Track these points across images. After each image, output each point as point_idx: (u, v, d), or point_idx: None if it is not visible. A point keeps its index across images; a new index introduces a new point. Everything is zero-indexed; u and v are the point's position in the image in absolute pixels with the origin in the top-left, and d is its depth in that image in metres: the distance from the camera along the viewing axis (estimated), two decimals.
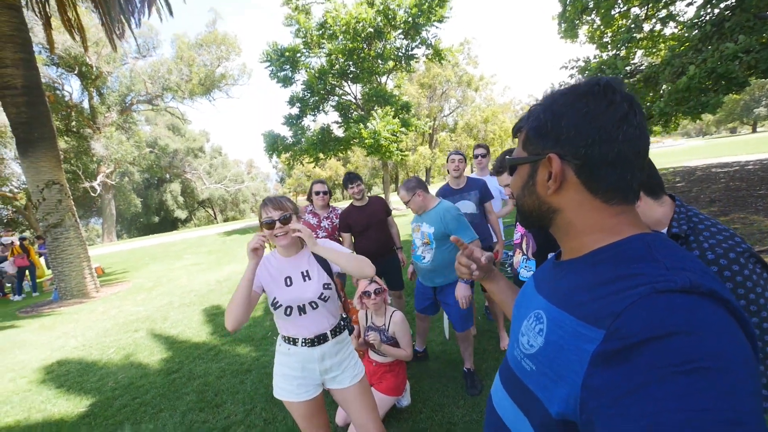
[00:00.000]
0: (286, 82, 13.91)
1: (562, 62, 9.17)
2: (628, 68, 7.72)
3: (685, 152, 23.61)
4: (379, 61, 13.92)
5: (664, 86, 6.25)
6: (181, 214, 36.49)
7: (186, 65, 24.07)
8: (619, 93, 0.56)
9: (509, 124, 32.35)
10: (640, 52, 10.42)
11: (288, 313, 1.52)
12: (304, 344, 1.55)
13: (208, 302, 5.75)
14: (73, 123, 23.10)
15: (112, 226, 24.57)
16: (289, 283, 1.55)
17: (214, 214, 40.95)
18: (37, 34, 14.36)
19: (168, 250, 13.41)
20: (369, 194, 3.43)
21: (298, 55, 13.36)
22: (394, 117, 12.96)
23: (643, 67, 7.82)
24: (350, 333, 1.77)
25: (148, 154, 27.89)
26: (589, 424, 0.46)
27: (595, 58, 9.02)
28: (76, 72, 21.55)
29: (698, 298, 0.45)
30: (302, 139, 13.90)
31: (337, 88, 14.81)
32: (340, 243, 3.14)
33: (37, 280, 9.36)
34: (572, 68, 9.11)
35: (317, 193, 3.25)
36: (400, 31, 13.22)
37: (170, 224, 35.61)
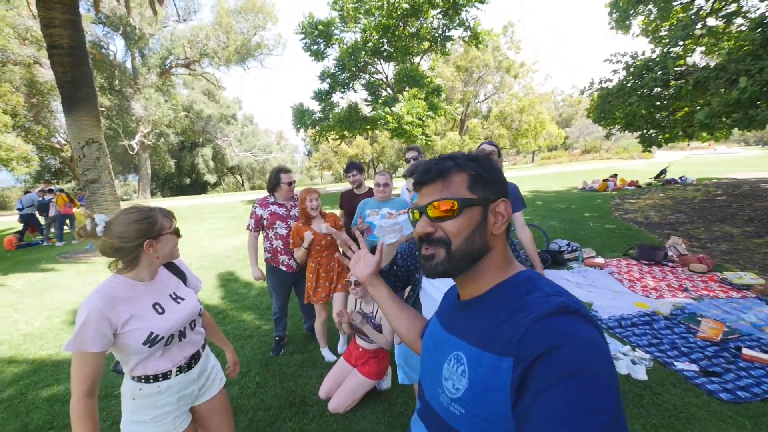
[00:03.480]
0: (319, 56, 13.86)
1: (607, 54, 8.56)
2: (678, 69, 7.15)
3: (736, 162, 21.84)
4: (415, 40, 13.55)
5: (713, 93, 5.76)
6: (210, 178, 37.84)
7: (224, 32, 24.34)
8: None
9: (546, 116, 30.91)
10: (699, 50, 9.57)
11: (168, 343, 1.29)
12: (179, 373, 1.34)
13: (223, 268, 6.08)
14: (116, 82, 24.11)
15: (147, 184, 25.92)
16: (160, 311, 1.29)
17: (242, 181, 42.19)
18: None
19: (195, 212, 14.08)
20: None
21: (333, 28, 13.20)
22: (423, 100, 12.71)
23: (694, 69, 7.21)
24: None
25: (184, 118, 28.84)
26: None
27: (643, 53, 8.39)
28: (120, 32, 22.28)
29: (570, 317, 0.56)
30: (330, 115, 13.95)
31: (369, 66, 14.61)
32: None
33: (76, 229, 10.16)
34: (617, 62, 8.53)
35: (289, 184, 2.97)
36: (439, 10, 12.73)
37: (200, 187, 37.08)
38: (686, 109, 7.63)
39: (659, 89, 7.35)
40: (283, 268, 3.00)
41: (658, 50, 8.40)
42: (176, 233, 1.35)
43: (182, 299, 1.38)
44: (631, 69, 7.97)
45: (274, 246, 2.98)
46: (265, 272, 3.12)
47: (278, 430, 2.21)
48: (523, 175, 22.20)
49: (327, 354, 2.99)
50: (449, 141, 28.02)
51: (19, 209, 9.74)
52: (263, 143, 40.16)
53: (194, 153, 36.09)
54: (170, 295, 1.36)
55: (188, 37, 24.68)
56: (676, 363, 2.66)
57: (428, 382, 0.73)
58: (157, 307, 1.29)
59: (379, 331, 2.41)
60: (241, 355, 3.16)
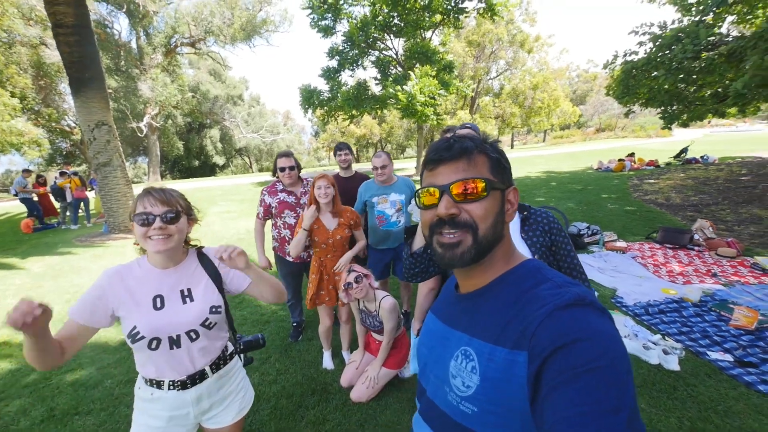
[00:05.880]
0: (327, 32, 13.39)
1: (632, 26, 8.04)
2: (711, 38, 6.68)
3: (760, 140, 20.90)
4: (426, 13, 12.95)
5: (750, 63, 5.36)
6: (219, 160, 37.87)
7: (229, 8, 23.66)
8: None
9: (561, 92, 29.84)
10: (729, 19, 8.94)
11: (154, 346, 1.13)
12: (171, 387, 1.18)
13: None
14: (122, 62, 23.84)
15: (156, 166, 26.01)
16: (158, 305, 1.15)
17: (250, 162, 42.17)
18: None
19: (205, 195, 14.13)
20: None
21: (341, 2, 12.67)
22: (434, 77, 12.26)
23: (729, 39, 6.73)
24: (243, 355, 1.45)
25: (191, 99, 28.57)
26: None
27: (673, 23, 7.86)
28: (124, 10, 21.82)
29: (585, 309, 0.54)
30: (338, 94, 13.60)
31: (378, 42, 14.10)
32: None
33: (91, 212, 10.30)
34: (643, 34, 8.02)
35: (282, 170, 2.72)
36: None
37: (209, 169, 37.19)
38: (716, 87, 7.20)
39: (688, 62, 6.91)
40: (290, 259, 2.86)
41: (686, 20, 7.85)
42: (135, 219, 1.11)
43: (192, 300, 1.19)
44: (659, 41, 7.50)
45: (282, 235, 2.86)
46: (273, 261, 3.03)
47: (301, 418, 2.20)
48: (535, 154, 21.67)
49: (327, 360, 2.72)
50: (459, 120, 27.35)
51: (14, 195, 9.96)
52: (270, 124, 39.81)
53: (202, 135, 36.00)
54: (181, 290, 1.19)
55: (192, 14, 24.07)
56: (709, 352, 2.56)
57: (431, 381, 0.70)
58: (156, 300, 1.15)
59: (381, 331, 2.35)
60: None
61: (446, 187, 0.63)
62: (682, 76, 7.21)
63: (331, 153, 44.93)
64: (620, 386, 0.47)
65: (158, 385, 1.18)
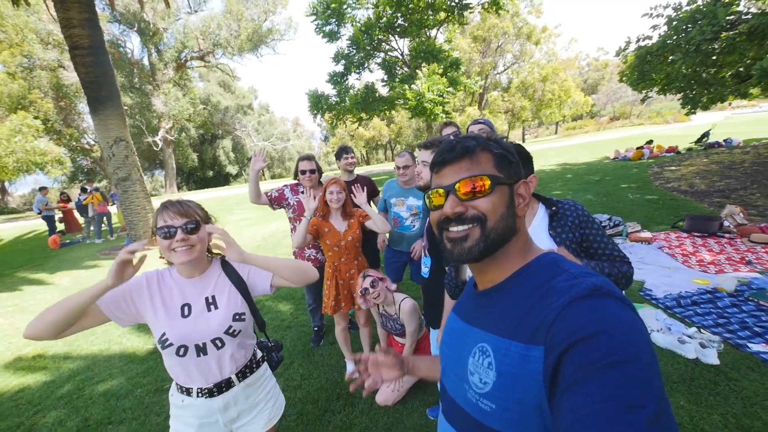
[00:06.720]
0: (332, 37, 13.49)
1: (644, 9, 7.81)
2: (729, 17, 6.41)
3: None
4: (430, 11, 12.91)
5: None
6: (232, 169, 38.58)
7: (235, 20, 24.17)
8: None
9: (571, 83, 29.26)
10: None
11: (182, 353, 1.17)
12: (200, 395, 1.22)
13: None
14: (136, 79, 24.59)
15: (173, 179, 26.71)
16: (186, 313, 1.19)
17: (262, 170, 42.79)
18: None
19: (221, 205, 14.39)
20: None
21: (345, 6, 12.74)
22: (441, 75, 12.19)
23: (749, 16, 6.45)
24: (274, 363, 1.47)
25: (202, 111, 29.25)
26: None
27: (688, 3, 7.59)
28: (135, 29, 22.53)
29: (603, 299, 0.51)
30: (346, 98, 13.67)
31: (383, 44, 14.13)
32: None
33: (114, 225, 10.62)
34: (657, 16, 7.77)
35: (303, 172, 2.75)
36: None
37: (223, 179, 37.92)
38: (737, 66, 6.90)
39: (707, 43, 6.65)
40: (309, 263, 2.85)
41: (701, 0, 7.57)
42: (158, 233, 1.14)
43: (216, 307, 1.22)
44: (674, 23, 7.25)
45: None
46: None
47: (328, 423, 2.19)
48: (548, 147, 21.25)
49: (351, 368, 2.65)
50: (468, 117, 27.11)
51: (38, 213, 10.29)
52: (280, 131, 40.41)
53: (215, 145, 36.76)
54: (206, 298, 1.22)
55: (200, 29, 24.70)
56: (750, 345, 2.43)
57: (452, 379, 0.70)
58: (184, 308, 1.19)
59: (402, 334, 2.32)
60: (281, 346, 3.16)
61: (451, 186, 0.65)
62: (700, 58, 6.93)
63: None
64: (644, 380, 0.45)
65: (188, 392, 1.22)
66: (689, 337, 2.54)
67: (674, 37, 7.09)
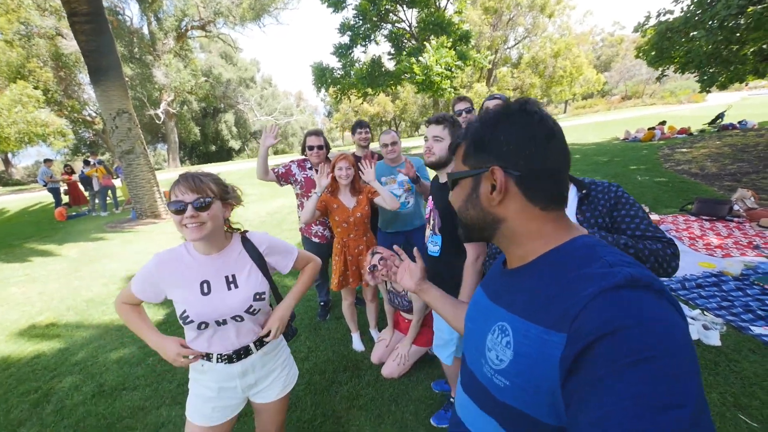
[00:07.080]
0: (337, 6, 12.97)
1: None
2: None
3: None
4: None
5: None
6: (234, 144, 38.24)
7: None
8: (543, 112, 0.62)
9: (584, 59, 28.25)
10: None
11: (203, 328, 1.20)
12: (219, 360, 1.25)
13: None
14: (136, 49, 23.97)
15: (175, 152, 26.57)
16: (205, 291, 1.19)
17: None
18: None
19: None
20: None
21: None
22: (450, 48, 11.76)
23: None
24: (290, 334, 1.52)
25: (204, 83, 28.67)
26: (572, 425, 0.49)
27: None
28: None
29: (639, 292, 0.48)
30: (351, 72, 13.30)
31: (390, 14, 13.58)
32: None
33: (118, 199, 10.68)
34: None
35: (311, 148, 2.73)
36: None
37: (225, 153, 37.66)
38: (761, 43, 6.59)
39: (732, 18, 6.33)
40: (316, 240, 2.87)
41: None
42: (170, 207, 1.13)
43: (236, 286, 1.22)
44: None
45: None
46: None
47: (335, 393, 2.26)
48: None
49: (357, 342, 2.72)
50: (476, 93, 26.43)
51: (43, 185, 10.40)
52: (283, 106, 39.71)
53: (217, 119, 36.27)
54: (226, 276, 1.21)
55: None
56: (752, 327, 2.45)
57: (472, 352, 0.71)
58: (204, 285, 1.19)
59: (410, 310, 2.34)
60: None
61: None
62: (723, 35, 6.62)
63: (345, 133, 44.62)
64: (680, 379, 0.42)
65: (208, 357, 1.26)
66: (692, 318, 2.56)
67: (698, 12, 6.76)
